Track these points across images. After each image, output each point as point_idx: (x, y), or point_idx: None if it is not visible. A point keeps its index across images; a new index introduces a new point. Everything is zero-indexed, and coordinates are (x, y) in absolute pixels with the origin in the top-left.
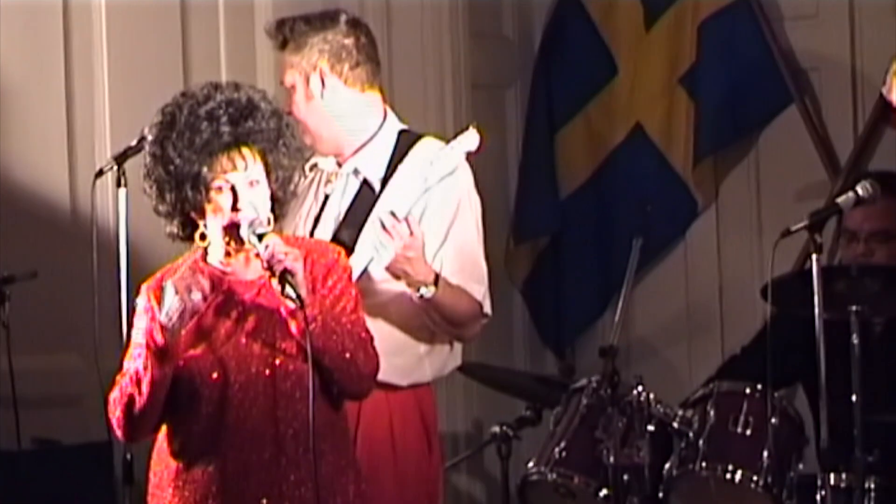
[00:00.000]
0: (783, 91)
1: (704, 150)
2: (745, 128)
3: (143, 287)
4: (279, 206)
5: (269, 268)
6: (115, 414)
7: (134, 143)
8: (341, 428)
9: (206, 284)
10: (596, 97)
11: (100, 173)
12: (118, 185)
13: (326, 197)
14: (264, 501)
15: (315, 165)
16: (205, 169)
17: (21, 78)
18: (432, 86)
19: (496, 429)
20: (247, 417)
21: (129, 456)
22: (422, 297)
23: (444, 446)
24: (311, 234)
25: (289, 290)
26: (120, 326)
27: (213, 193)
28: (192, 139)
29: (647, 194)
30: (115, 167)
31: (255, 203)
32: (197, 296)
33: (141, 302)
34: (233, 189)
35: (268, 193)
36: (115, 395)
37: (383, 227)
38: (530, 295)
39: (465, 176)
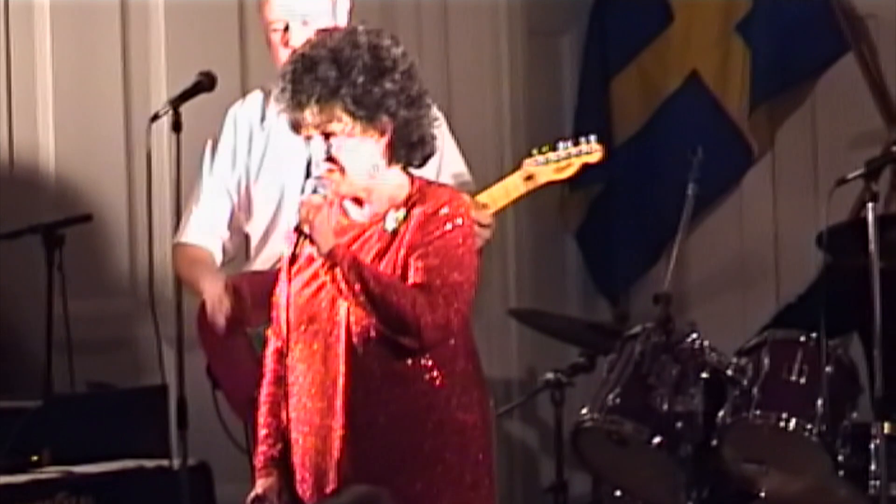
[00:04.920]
0: (840, 39)
1: (760, 98)
2: (801, 75)
3: None
4: (407, 152)
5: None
6: None
7: (190, 86)
8: (410, 381)
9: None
10: (651, 44)
11: (155, 117)
12: (174, 129)
13: None
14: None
15: None
16: (288, 118)
17: (77, 18)
18: (488, 33)
19: (550, 375)
20: (307, 362)
21: (183, 399)
22: None
23: (498, 393)
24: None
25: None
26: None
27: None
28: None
29: (702, 142)
30: (171, 111)
31: (339, 157)
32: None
33: None
34: (311, 143)
35: (348, 146)
36: None
37: None
38: (584, 241)
39: None
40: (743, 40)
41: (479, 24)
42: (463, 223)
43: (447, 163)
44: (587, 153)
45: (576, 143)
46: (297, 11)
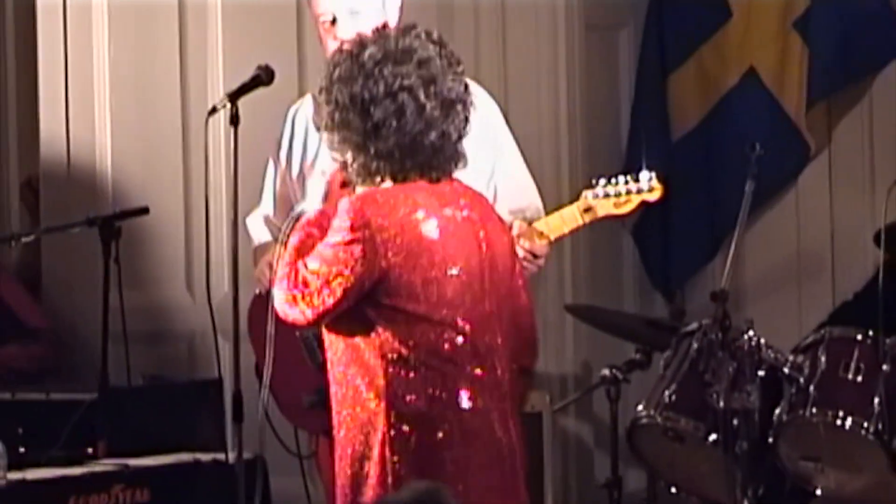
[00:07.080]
0: None
1: (817, 95)
2: (859, 73)
3: None
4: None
5: None
6: None
7: (248, 79)
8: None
9: None
10: (709, 40)
11: (213, 111)
12: (231, 122)
13: None
14: None
15: None
16: None
17: (135, 14)
18: (545, 27)
19: (605, 372)
20: None
21: (238, 393)
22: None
23: (553, 388)
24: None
25: None
26: (234, 263)
27: None
28: None
29: (759, 138)
30: (229, 104)
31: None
32: None
33: None
34: None
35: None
36: None
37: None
38: (640, 237)
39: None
40: (801, 37)
41: (537, 19)
42: (342, 224)
43: (510, 194)
44: (648, 191)
45: (636, 179)
46: (344, 4)
